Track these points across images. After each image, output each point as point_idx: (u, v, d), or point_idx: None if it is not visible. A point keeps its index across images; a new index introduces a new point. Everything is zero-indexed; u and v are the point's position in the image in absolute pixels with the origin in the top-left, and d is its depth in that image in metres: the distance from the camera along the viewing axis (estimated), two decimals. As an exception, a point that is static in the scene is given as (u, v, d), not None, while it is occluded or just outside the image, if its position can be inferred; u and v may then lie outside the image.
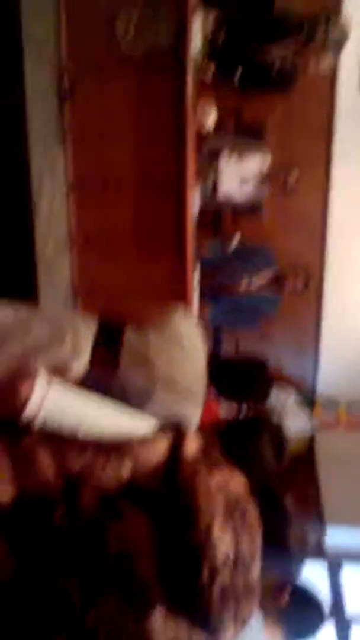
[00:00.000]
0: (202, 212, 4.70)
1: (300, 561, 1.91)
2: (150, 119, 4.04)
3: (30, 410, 1.47)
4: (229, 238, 5.26)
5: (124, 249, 4.18)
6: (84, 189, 4.11)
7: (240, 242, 5.29)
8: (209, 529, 1.30)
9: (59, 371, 2.54)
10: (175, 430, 1.54)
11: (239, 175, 5.00)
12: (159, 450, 1.46)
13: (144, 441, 1.48)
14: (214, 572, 1.27)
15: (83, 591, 1.22)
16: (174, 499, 1.35)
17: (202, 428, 2.71)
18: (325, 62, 4.54)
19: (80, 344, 2.62)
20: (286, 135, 5.84)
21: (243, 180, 5.03)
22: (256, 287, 5.15)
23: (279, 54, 4.61)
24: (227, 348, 6.08)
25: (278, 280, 5.22)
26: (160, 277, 4.17)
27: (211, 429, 2.54)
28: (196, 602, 1.28)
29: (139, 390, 1.94)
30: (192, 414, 2.79)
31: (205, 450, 1.51)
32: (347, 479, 6.17)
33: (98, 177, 4.10)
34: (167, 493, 1.37)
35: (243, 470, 2.44)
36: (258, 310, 5.39)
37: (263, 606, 2.01)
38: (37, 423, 1.47)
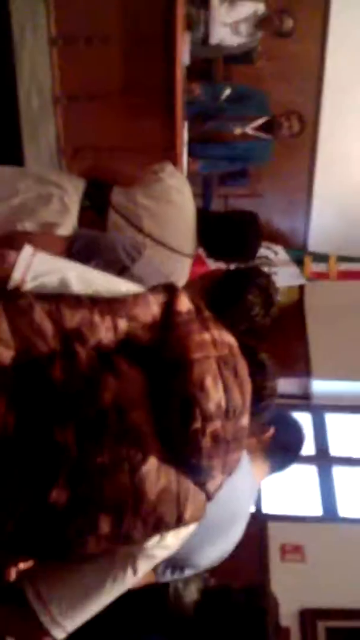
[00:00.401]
0: (193, 61, 4.51)
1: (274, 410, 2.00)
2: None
3: (17, 270, 1.48)
4: (221, 85, 5.05)
5: (111, 105, 4.05)
6: (68, 43, 3.93)
7: (234, 86, 5.09)
8: (202, 381, 1.35)
9: (47, 231, 2.57)
10: (166, 289, 1.55)
11: (231, 21, 4.77)
12: (152, 307, 1.46)
13: (137, 297, 1.47)
14: (206, 420, 1.33)
15: (79, 442, 1.29)
16: (168, 354, 1.38)
17: (192, 282, 2.76)
18: None
19: (67, 205, 2.62)
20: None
21: (235, 27, 4.81)
22: (249, 134, 5.01)
23: None
24: (216, 206, 6.04)
25: (272, 126, 5.06)
26: (149, 134, 4.06)
27: (201, 282, 2.59)
28: (188, 449, 1.35)
29: (128, 249, 1.96)
30: (182, 270, 2.85)
31: (197, 307, 1.51)
32: (335, 331, 6.33)
33: (83, 29, 3.90)
34: (161, 348, 1.39)
35: (231, 321, 2.51)
36: (250, 158, 5.28)
37: (248, 446, 2.12)
38: (27, 283, 1.49)
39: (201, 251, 2.99)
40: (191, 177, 4.68)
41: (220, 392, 1.37)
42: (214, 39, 4.82)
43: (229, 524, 2.11)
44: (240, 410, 1.42)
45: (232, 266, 3.31)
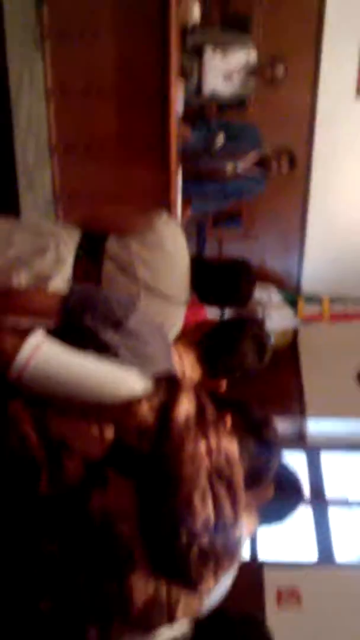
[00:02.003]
0: (187, 108, 4.59)
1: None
2: (131, 15, 3.87)
3: (18, 363, 1.46)
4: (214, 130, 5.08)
5: (106, 154, 4.11)
6: (64, 94, 4.01)
7: (226, 125, 5.14)
8: (189, 497, 1.33)
9: (41, 282, 2.59)
10: (167, 387, 1.50)
11: (224, 70, 4.84)
12: (146, 410, 1.42)
13: (129, 404, 1.43)
14: (192, 537, 1.32)
15: (66, 555, 1.28)
16: (159, 467, 1.36)
17: (187, 330, 2.78)
18: None
19: (62, 255, 2.65)
20: (274, 25, 5.66)
21: (228, 76, 4.87)
22: (242, 170, 5.05)
23: None
24: (211, 249, 6.09)
25: (264, 162, 5.09)
26: (144, 182, 4.11)
27: (195, 333, 2.61)
28: (176, 564, 1.34)
29: (123, 303, 1.97)
30: (176, 318, 2.86)
31: (199, 407, 1.47)
32: (329, 371, 6.34)
33: (78, 81, 3.98)
34: (153, 459, 1.36)
35: (225, 369, 2.53)
36: (243, 193, 5.30)
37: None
38: (25, 377, 1.46)
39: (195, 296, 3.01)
40: (185, 221, 4.73)
41: (208, 508, 1.36)
42: (207, 88, 4.87)
43: None
44: (231, 523, 1.40)
45: (227, 312, 3.33)
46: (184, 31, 4.36)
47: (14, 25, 3.80)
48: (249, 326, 2.54)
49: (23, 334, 1.50)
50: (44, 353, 1.50)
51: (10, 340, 1.47)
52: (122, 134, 4.10)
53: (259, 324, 2.63)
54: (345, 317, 6.36)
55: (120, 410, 1.41)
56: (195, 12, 4.02)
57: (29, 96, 3.90)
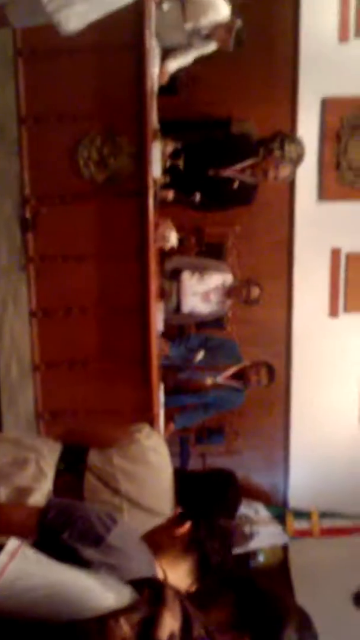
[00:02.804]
0: (167, 325, 4.79)
1: None
2: (112, 243, 4.13)
3: None
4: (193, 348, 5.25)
5: (88, 371, 4.22)
6: (47, 315, 4.17)
7: (205, 338, 5.32)
8: None
9: (21, 496, 2.54)
10: (149, 599, 1.43)
11: (201, 292, 5.10)
12: (125, 631, 1.35)
13: (107, 622, 1.37)
14: None
15: None
16: None
17: (167, 542, 2.67)
18: (284, 173, 4.73)
19: (43, 469, 2.63)
20: (247, 250, 6.05)
21: (205, 297, 5.13)
22: (221, 382, 5.13)
23: (238, 173, 4.81)
24: (194, 465, 6.05)
25: (243, 375, 5.20)
26: (126, 397, 4.19)
27: (181, 541, 2.50)
28: None
29: (103, 518, 1.92)
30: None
31: (184, 622, 1.39)
32: (324, 592, 6.02)
33: (61, 302, 4.16)
34: None
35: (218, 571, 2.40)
36: (223, 405, 5.35)
37: None
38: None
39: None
40: (168, 436, 4.73)
41: None
42: (186, 307, 5.10)
43: None
44: None
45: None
46: (163, 256, 4.64)
47: (0, 250, 4.03)
48: (220, 530, 2.45)
49: None
50: (4, 578, 1.44)
51: None
52: (104, 352, 4.21)
53: (228, 525, 2.54)
54: (336, 531, 6.18)
55: (96, 632, 1.33)
56: (173, 239, 4.29)
57: (13, 316, 4.06)
